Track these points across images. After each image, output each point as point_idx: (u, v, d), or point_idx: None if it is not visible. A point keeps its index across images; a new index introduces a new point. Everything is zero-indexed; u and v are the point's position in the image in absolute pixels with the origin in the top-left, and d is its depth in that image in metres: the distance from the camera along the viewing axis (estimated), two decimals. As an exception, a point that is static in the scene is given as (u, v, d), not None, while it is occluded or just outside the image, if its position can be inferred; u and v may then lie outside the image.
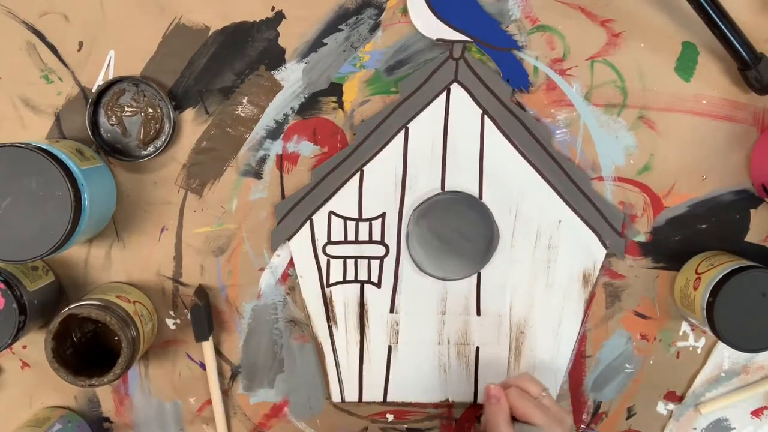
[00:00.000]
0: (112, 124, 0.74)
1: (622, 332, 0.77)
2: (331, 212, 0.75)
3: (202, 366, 0.77)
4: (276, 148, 0.75)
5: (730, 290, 0.67)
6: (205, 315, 0.74)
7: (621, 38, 0.74)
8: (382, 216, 0.75)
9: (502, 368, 0.77)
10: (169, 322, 0.77)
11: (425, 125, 0.74)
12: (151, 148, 0.74)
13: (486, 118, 0.74)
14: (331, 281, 0.76)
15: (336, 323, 0.77)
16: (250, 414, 0.78)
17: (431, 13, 0.72)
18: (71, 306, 0.69)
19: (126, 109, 0.74)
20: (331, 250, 0.76)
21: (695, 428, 0.78)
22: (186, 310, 0.76)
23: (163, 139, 0.74)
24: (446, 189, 0.75)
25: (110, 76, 0.74)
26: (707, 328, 0.70)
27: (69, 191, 0.64)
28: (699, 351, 0.77)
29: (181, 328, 0.77)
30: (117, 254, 0.76)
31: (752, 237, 0.76)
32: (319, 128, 0.75)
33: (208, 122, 0.75)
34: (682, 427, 0.78)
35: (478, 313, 0.76)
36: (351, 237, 0.76)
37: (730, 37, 0.69)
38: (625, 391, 0.78)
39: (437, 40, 0.73)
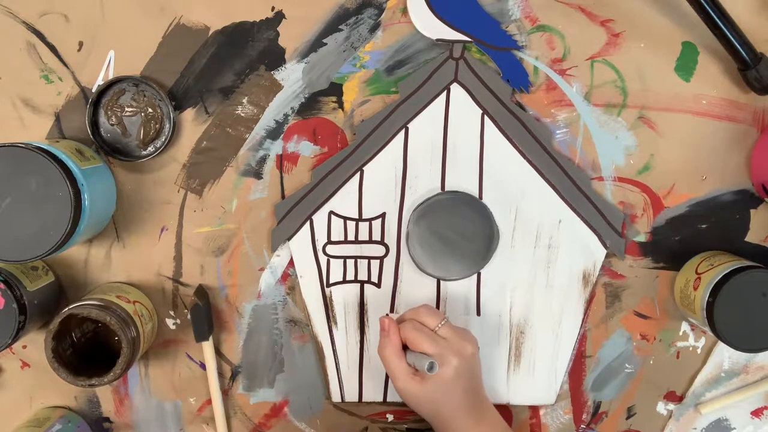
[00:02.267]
0: (112, 124, 0.74)
1: (622, 332, 0.77)
2: (331, 212, 0.75)
3: (202, 366, 0.77)
4: (276, 148, 0.75)
5: (730, 290, 0.67)
6: (205, 315, 0.74)
7: (621, 38, 0.74)
8: (382, 216, 0.75)
9: (503, 368, 0.77)
10: (169, 322, 0.77)
11: (425, 125, 0.74)
12: (151, 148, 0.74)
13: (486, 118, 0.74)
14: (331, 281, 0.76)
15: (336, 323, 0.77)
16: (250, 414, 0.78)
17: (431, 13, 0.72)
18: (71, 306, 0.69)
19: (126, 109, 0.74)
20: (331, 250, 0.76)
21: (695, 428, 0.78)
22: (186, 310, 0.76)
23: (163, 139, 0.74)
24: (446, 189, 0.75)
25: (110, 76, 0.74)
26: (707, 328, 0.70)
27: (69, 191, 0.64)
28: (699, 351, 0.77)
29: (181, 328, 0.77)
30: (117, 254, 0.76)
31: (752, 237, 0.76)
32: (319, 128, 0.75)
33: (208, 122, 0.75)
34: (682, 427, 0.78)
35: (478, 313, 0.76)
36: (351, 237, 0.76)
37: (730, 37, 0.69)
38: (625, 391, 0.78)
39: (437, 40, 0.73)
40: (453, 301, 0.76)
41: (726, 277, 0.68)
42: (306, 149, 0.75)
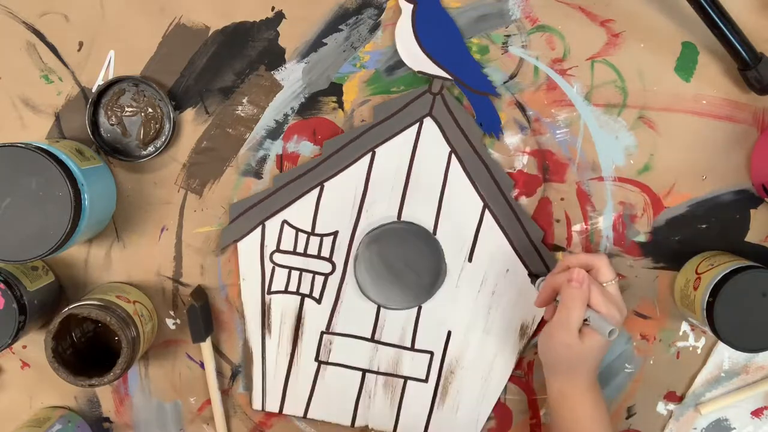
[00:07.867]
0: (112, 124, 0.74)
1: (621, 332, 0.77)
2: (285, 221, 0.75)
3: (202, 366, 0.77)
4: (276, 148, 0.75)
5: (730, 290, 0.67)
6: (203, 316, 0.74)
7: (621, 38, 0.74)
8: (335, 234, 0.75)
9: (426, 404, 0.76)
10: (169, 322, 0.77)
11: (392, 152, 0.74)
12: (151, 148, 0.74)
13: (453, 156, 0.73)
14: (273, 289, 0.75)
15: (270, 332, 0.76)
16: (250, 414, 0.78)
17: (417, 46, 0.72)
18: (71, 306, 0.69)
19: (126, 109, 0.74)
20: (279, 258, 0.75)
21: (695, 428, 0.78)
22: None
23: (163, 139, 0.74)
24: (402, 219, 0.74)
25: (110, 76, 0.74)
26: (707, 328, 0.70)
27: (69, 191, 0.64)
28: (699, 351, 0.77)
29: (181, 328, 0.77)
30: (117, 254, 0.76)
31: (752, 237, 0.76)
32: (319, 128, 0.75)
33: (208, 122, 0.75)
34: (682, 427, 0.78)
35: (413, 346, 0.76)
36: (300, 249, 0.75)
37: (730, 37, 0.69)
38: (625, 391, 0.78)
39: (418, 72, 0.73)
40: (389, 329, 0.75)
41: (726, 277, 0.68)
42: (306, 149, 0.75)
